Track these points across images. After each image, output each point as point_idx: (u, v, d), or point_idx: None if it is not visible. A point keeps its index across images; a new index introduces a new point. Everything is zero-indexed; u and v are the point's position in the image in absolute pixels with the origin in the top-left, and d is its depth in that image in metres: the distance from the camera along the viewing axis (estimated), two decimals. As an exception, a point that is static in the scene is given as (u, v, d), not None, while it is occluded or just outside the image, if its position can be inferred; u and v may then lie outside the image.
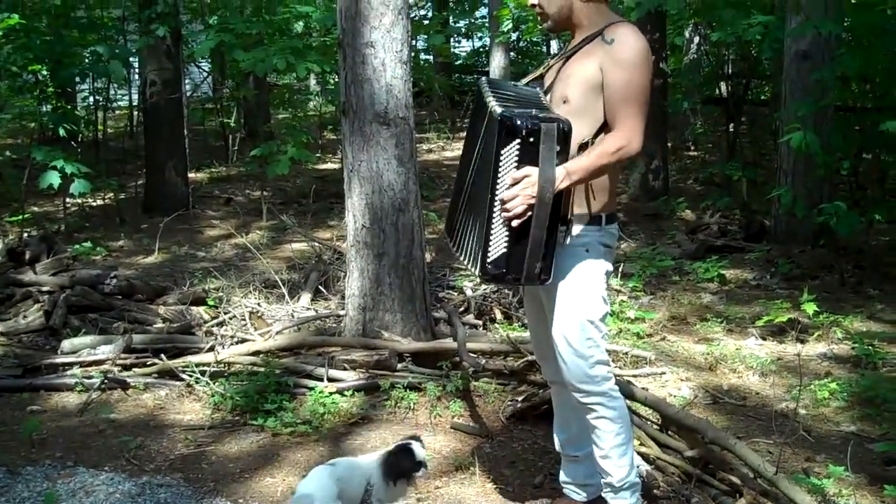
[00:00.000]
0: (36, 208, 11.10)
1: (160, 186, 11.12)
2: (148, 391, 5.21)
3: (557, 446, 3.70)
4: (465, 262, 3.28)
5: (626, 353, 5.56)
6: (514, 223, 3.01)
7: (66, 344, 5.62)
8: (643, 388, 4.79)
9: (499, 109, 3.02)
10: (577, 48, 3.24)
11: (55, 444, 4.55)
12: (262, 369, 5.20)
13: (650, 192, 11.38)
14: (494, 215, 3.05)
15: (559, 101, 3.22)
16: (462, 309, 6.34)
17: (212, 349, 5.49)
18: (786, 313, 6.21)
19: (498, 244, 3.07)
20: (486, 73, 15.79)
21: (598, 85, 3.14)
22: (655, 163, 11.41)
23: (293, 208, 11.17)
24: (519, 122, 2.97)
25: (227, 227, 9.91)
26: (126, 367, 5.40)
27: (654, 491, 3.90)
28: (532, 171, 2.98)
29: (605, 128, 3.17)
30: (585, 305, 3.24)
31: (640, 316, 6.46)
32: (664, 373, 5.39)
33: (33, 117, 11.31)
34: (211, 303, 6.50)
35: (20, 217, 9.26)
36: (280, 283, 6.79)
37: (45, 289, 6.34)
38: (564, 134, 2.99)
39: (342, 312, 5.85)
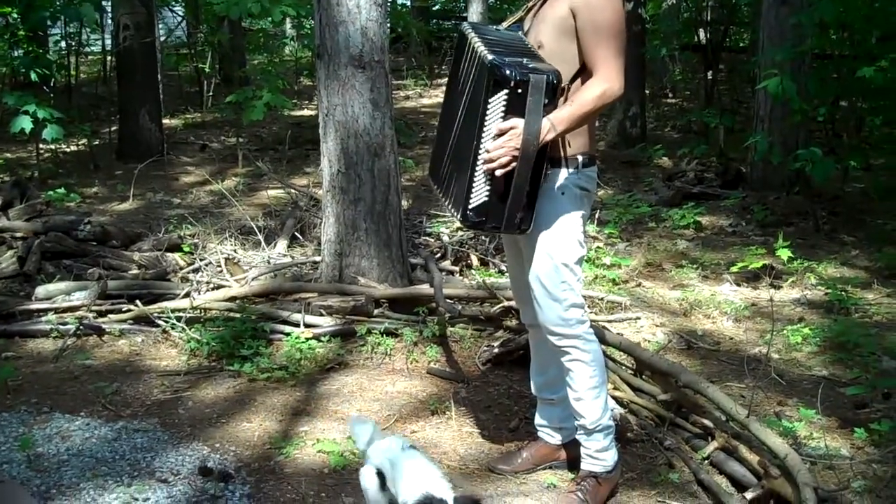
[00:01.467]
0: (8, 154, 10.95)
1: (134, 132, 10.97)
2: (123, 337, 5.19)
3: (534, 389, 3.73)
4: (449, 207, 3.30)
5: (602, 299, 5.58)
6: (497, 174, 3.02)
7: (41, 290, 5.58)
8: (618, 334, 4.82)
9: (490, 57, 2.99)
10: None
11: (30, 390, 4.53)
12: (238, 315, 5.19)
13: (627, 139, 11.36)
14: (478, 164, 3.06)
15: (535, 47, 3.19)
16: (438, 255, 6.34)
17: (188, 295, 5.47)
18: (760, 259, 6.30)
19: (480, 193, 3.08)
20: (464, 19, 15.64)
21: (570, 28, 3.10)
22: (633, 109, 11.39)
23: (269, 155, 11.07)
24: (508, 72, 2.94)
25: (202, 174, 9.83)
26: (101, 314, 5.37)
27: (628, 434, 3.95)
28: (518, 123, 2.98)
29: (582, 72, 3.15)
30: (560, 249, 3.24)
31: (616, 262, 6.48)
32: (639, 318, 5.42)
33: (4, 61, 11.12)
34: (186, 249, 6.46)
35: (-8, 163, 9.16)
36: (256, 229, 6.76)
37: (18, 234, 6.27)
38: (553, 86, 2.98)
39: (318, 259, 5.84)
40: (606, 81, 3.06)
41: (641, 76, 11.63)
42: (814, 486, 3.19)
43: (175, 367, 4.83)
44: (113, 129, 11.46)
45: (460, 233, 6.72)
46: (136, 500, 3.46)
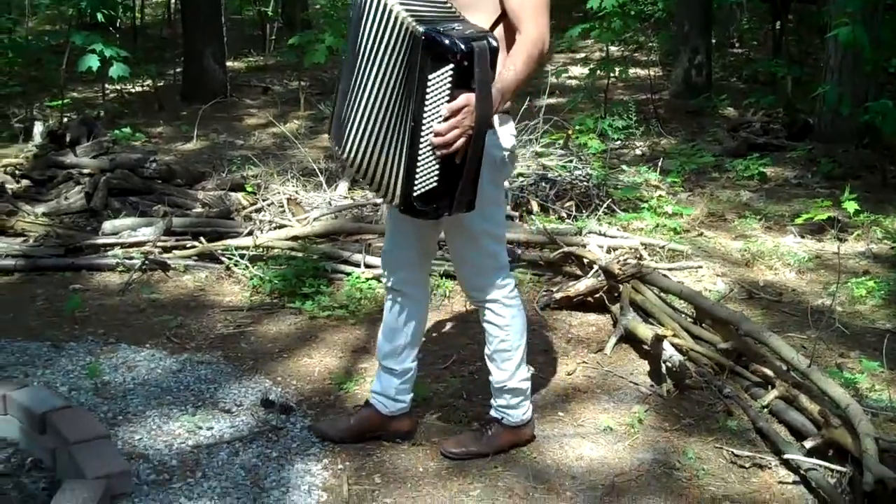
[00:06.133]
0: (75, 94, 11.12)
1: (198, 74, 11.09)
2: (188, 273, 5.29)
3: (378, 355, 3.48)
4: (378, 193, 3.01)
5: (663, 247, 5.55)
6: (449, 156, 2.74)
7: (107, 225, 5.70)
8: (678, 282, 4.79)
9: (421, 28, 2.66)
10: None
11: (97, 322, 4.64)
12: (300, 254, 5.26)
13: (692, 88, 11.16)
14: (422, 148, 2.74)
15: None
16: (499, 200, 6.32)
17: (251, 234, 5.55)
18: (826, 212, 6.19)
19: (427, 178, 2.78)
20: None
21: None
22: (699, 58, 11.16)
23: (331, 98, 11.09)
24: (448, 44, 2.62)
25: (264, 116, 9.90)
26: (166, 250, 5.47)
27: (687, 381, 3.94)
28: (470, 100, 2.68)
29: (501, 19, 2.92)
30: (484, 217, 3.04)
31: (678, 211, 6.42)
32: (700, 267, 5.38)
33: (71, 3, 11.23)
34: (249, 189, 6.53)
35: (60, 102, 9.29)
36: (318, 171, 6.80)
37: (85, 171, 6.40)
38: (495, 51, 2.70)
39: (379, 200, 5.86)
40: (542, 39, 2.84)
41: (708, 24, 11.40)
42: (875, 436, 3.16)
43: (238, 303, 4.92)
44: (177, 70, 11.57)
45: (521, 178, 6.70)
46: (201, 428, 3.54)
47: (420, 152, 2.74)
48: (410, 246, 3.29)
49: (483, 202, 2.93)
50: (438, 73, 2.66)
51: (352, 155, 2.96)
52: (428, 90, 2.69)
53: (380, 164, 2.88)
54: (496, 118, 2.90)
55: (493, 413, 3.46)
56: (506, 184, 3.03)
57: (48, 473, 3.18)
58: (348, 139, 2.95)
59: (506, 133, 3.06)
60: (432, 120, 2.71)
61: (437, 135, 2.70)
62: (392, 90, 2.79)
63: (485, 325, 3.32)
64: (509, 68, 2.83)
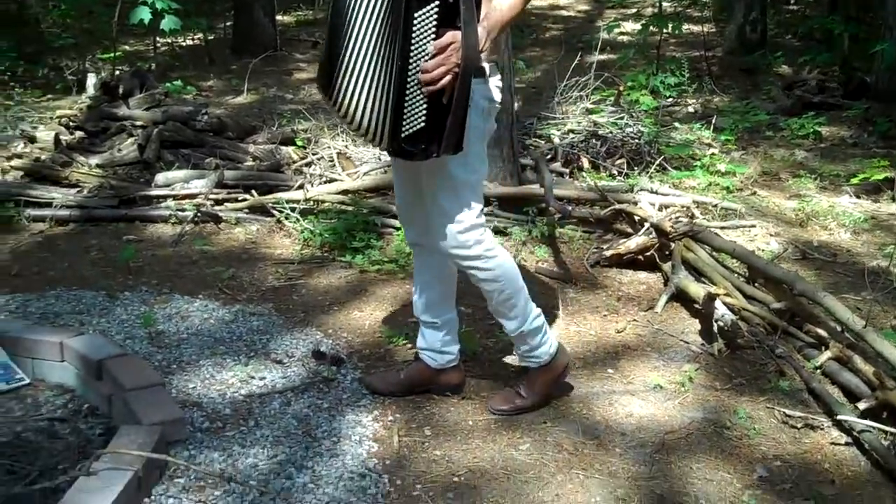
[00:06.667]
0: (127, 47, 11.19)
1: (248, 28, 11.10)
2: (239, 225, 5.33)
3: (415, 311, 3.49)
4: (366, 139, 2.95)
5: (715, 206, 5.49)
6: (436, 94, 2.73)
7: (160, 177, 5.75)
8: (731, 241, 4.74)
9: None
10: None
11: (151, 272, 4.70)
12: (350, 208, 5.27)
13: (746, 45, 10.97)
14: (409, 87, 2.73)
15: None
16: (549, 157, 6.29)
17: (301, 187, 5.57)
18: (882, 171, 6.08)
19: (415, 119, 2.78)
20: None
21: None
22: (753, 14, 10.97)
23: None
24: None
25: (314, 71, 9.85)
26: (218, 202, 5.51)
27: (738, 341, 3.91)
28: (456, 37, 2.67)
29: None
30: (464, 167, 2.99)
31: (731, 170, 6.34)
32: (753, 226, 5.32)
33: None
34: (299, 143, 6.55)
35: (112, 55, 9.35)
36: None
37: (138, 123, 6.44)
38: None
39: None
40: None
41: (764, -20, 11.19)
42: (931, 398, 3.12)
43: (288, 255, 4.95)
44: (228, 24, 11.58)
45: (571, 135, 6.65)
46: (253, 378, 3.58)
47: (407, 92, 2.74)
48: (416, 199, 3.26)
49: (468, 153, 2.92)
50: (424, 10, 2.66)
51: (339, 99, 2.90)
52: (414, 28, 2.68)
53: (367, 107, 2.84)
54: (487, 65, 2.92)
55: (522, 363, 3.46)
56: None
57: (104, 419, 3.24)
58: (336, 85, 2.89)
59: (495, 83, 3.03)
60: (419, 59, 2.71)
61: (423, 72, 2.70)
62: (378, 31, 2.77)
63: (477, 283, 3.22)
64: (495, 7, 2.82)
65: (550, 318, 4.21)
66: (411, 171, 3.15)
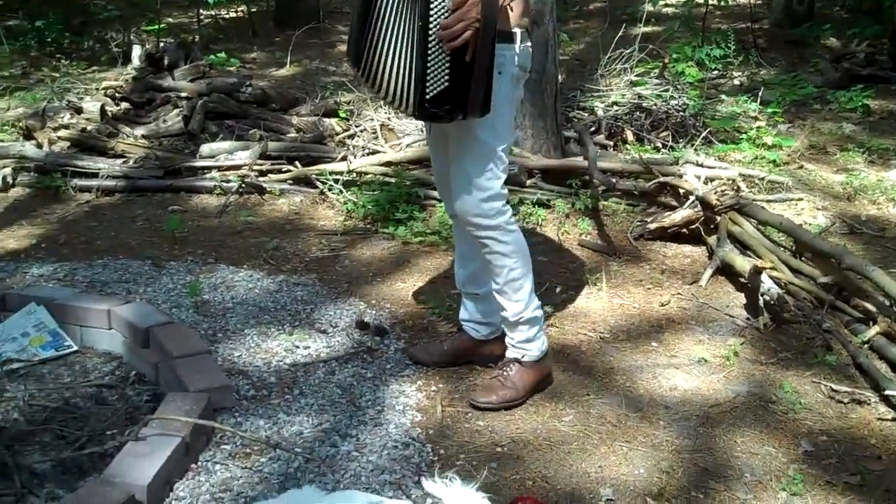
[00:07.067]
0: (171, 19, 11.24)
1: (291, 0, 11.11)
2: (283, 196, 5.36)
3: (458, 283, 3.50)
4: (393, 105, 2.98)
5: (762, 179, 5.42)
6: (458, 53, 2.73)
7: (205, 148, 5.78)
8: (778, 214, 4.69)
9: None
10: None
11: (196, 242, 4.75)
12: (393, 180, 5.27)
13: (793, 17, 10.79)
14: (431, 46, 2.75)
15: None
16: (593, 129, 6.24)
17: (344, 159, 5.58)
18: (933, 145, 5.97)
19: (438, 79, 2.78)
20: None
21: None
22: (800, -14, 10.80)
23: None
24: None
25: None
26: (262, 173, 5.54)
27: (785, 315, 3.87)
28: None
29: None
30: (492, 134, 2.99)
31: (777, 143, 6.25)
32: (800, 200, 5.25)
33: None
34: (342, 115, 6.54)
35: (157, 27, 9.41)
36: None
37: (183, 94, 6.48)
38: None
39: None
40: None
41: (812, -51, 10.99)
42: (983, 374, 3.08)
43: (332, 227, 4.97)
44: (270, -5, 11.60)
45: (615, 107, 6.59)
46: (298, 347, 3.61)
47: (430, 51, 2.75)
48: (443, 171, 3.26)
49: (496, 119, 2.93)
50: None
51: (367, 68, 2.96)
52: None
53: (393, 71, 2.88)
54: (518, 31, 2.94)
55: (510, 353, 3.32)
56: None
57: (151, 386, 3.28)
58: (363, 54, 2.96)
59: (526, 49, 3.03)
60: (440, 17, 2.73)
61: (444, 28, 2.71)
62: None
63: (489, 257, 3.16)
64: None
65: (594, 290, 4.20)
66: (443, 140, 3.15)
